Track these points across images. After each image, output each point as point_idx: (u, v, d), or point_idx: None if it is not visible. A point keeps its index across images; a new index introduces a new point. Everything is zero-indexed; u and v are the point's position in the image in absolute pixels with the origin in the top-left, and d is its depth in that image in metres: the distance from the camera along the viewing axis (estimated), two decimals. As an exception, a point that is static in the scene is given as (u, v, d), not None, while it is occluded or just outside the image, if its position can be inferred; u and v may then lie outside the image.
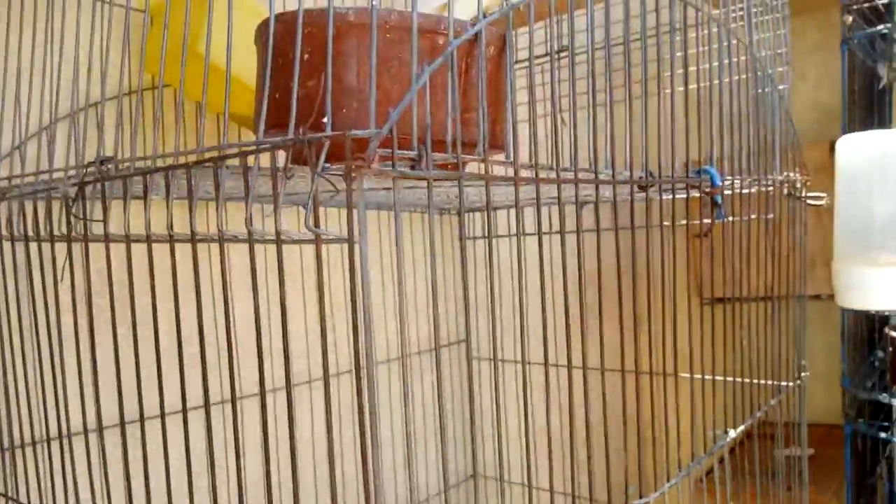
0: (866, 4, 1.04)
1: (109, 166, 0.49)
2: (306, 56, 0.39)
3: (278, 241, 0.37)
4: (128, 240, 0.48)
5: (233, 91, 0.67)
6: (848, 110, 1.06)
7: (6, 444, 0.69)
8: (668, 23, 0.65)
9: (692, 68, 0.74)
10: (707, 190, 0.62)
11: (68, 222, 0.52)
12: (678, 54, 0.68)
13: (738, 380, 0.92)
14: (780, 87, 0.88)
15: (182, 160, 0.45)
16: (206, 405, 0.45)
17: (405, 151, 0.36)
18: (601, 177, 0.50)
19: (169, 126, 0.81)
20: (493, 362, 0.45)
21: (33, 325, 0.62)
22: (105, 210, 0.49)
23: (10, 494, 0.66)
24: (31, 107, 0.70)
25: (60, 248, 0.59)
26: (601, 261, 0.53)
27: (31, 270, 0.61)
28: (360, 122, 0.39)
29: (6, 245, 0.65)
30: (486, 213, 0.44)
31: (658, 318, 0.62)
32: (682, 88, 0.70)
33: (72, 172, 0.54)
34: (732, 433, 0.70)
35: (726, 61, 0.75)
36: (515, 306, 0.46)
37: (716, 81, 0.75)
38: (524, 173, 0.44)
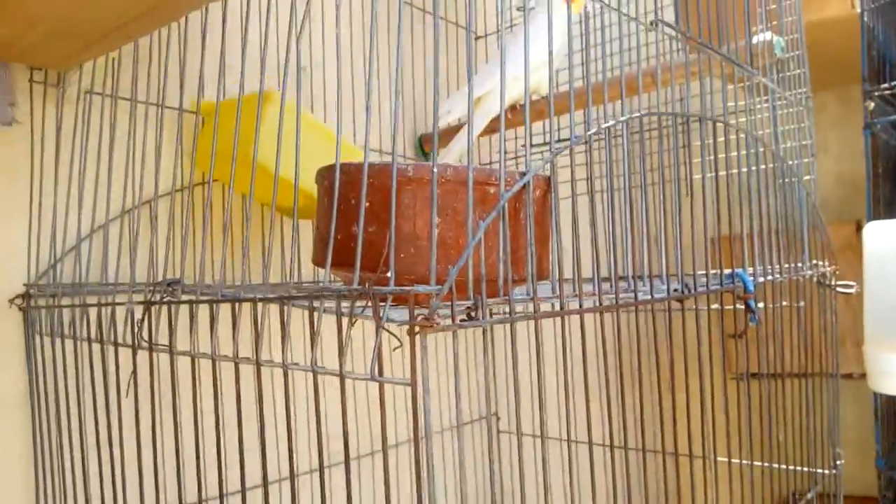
0: (887, 91, 1.07)
1: (176, 288, 0.52)
2: (367, 204, 0.42)
3: (342, 380, 0.40)
4: (193, 358, 0.51)
5: (279, 188, 0.71)
6: (872, 192, 1.08)
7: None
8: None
9: (721, 155, 0.76)
10: (741, 295, 0.64)
11: (133, 339, 0.55)
12: (708, 141, 0.70)
13: (775, 466, 0.92)
14: (807, 177, 0.90)
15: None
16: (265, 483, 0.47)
17: (462, 302, 0.39)
18: (640, 296, 0.53)
19: (231, 225, 0.85)
20: (541, 440, 0.47)
21: (94, 421, 0.65)
22: (171, 333, 0.52)
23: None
24: (96, 204, 0.75)
25: (122, 350, 0.62)
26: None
27: (93, 371, 0.64)
28: (416, 266, 0.42)
29: (67, 343, 0.68)
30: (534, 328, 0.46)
31: (684, 393, 0.64)
32: (711, 174, 0.72)
33: (132, 283, 0.58)
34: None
35: (750, 152, 0.78)
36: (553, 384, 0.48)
37: (744, 169, 0.78)
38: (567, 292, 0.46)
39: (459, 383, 0.39)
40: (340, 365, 0.39)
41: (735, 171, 0.77)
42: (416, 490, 0.40)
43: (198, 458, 0.53)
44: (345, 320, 0.40)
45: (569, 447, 0.51)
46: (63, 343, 0.69)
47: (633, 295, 0.52)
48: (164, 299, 0.53)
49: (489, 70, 0.97)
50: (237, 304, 0.46)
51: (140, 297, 0.56)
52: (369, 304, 0.38)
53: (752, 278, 0.67)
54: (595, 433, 0.51)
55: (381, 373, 0.38)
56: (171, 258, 0.78)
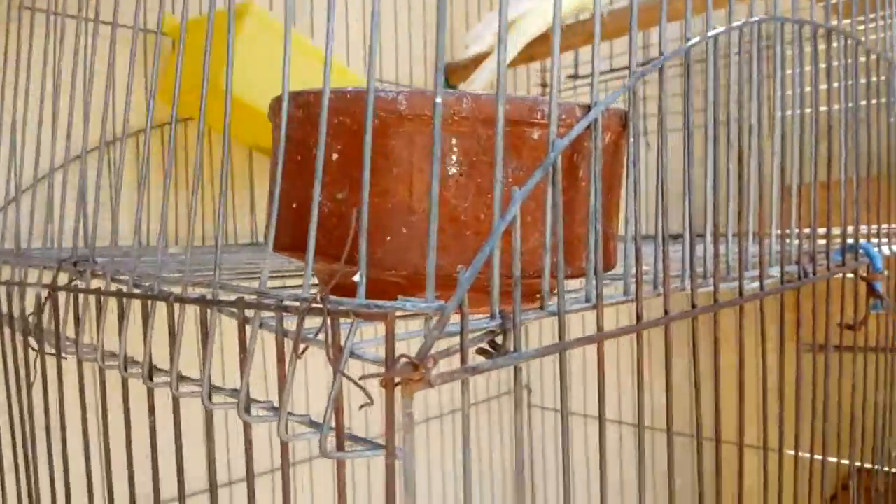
0: None
1: (84, 270, 0.37)
2: (335, 156, 0.26)
3: (284, 451, 0.25)
4: (101, 367, 0.37)
5: (258, 123, 0.57)
6: None
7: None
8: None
9: (808, 88, 0.58)
10: (864, 276, 0.47)
11: (38, 330, 0.41)
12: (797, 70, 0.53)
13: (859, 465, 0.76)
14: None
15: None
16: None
17: (481, 321, 0.23)
18: (747, 285, 0.36)
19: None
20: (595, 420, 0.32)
21: (7, 408, 0.52)
22: (78, 325, 0.38)
23: None
24: (38, 152, 0.60)
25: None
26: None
27: (5, 360, 0.50)
28: (410, 256, 0.26)
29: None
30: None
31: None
32: (809, 110, 0.55)
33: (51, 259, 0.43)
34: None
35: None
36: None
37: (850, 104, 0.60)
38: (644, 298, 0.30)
39: (469, 470, 0.22)
40: (280, 427, 0.24)
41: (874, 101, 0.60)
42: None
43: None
44: (288, 343, 0.24)
45: (640, 433, 0.36)
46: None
47: (737, 286, 0.35)
48: (73, 284, 0.38)
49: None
50: (151, 304, 0.31)
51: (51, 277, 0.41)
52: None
53: (877, 250, 0.50)
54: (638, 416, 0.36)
55: (340, 446, 0.22)
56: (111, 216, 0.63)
